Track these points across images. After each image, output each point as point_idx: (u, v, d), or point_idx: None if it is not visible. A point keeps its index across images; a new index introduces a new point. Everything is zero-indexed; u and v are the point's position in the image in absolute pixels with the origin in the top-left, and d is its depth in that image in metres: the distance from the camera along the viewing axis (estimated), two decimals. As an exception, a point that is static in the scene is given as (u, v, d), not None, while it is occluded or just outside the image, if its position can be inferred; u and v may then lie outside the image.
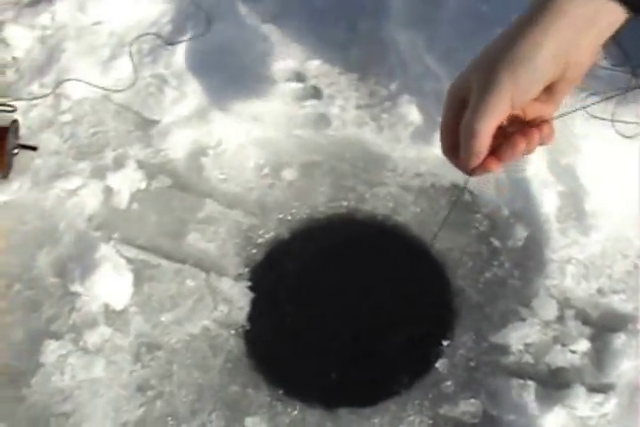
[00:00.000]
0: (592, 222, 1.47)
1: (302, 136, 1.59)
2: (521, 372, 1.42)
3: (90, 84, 1.56)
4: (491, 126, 0.94)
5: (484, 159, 1.00)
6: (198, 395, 1.43)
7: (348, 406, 1.45)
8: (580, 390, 1.37)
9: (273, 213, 1.58)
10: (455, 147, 1.01)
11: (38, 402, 1.41)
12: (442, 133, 1.03)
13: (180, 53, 1.60)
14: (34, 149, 1.52)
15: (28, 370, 1.42)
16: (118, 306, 1.46)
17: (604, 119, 1.41)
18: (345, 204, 1.59)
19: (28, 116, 1.58)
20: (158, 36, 1.60)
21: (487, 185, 1.50)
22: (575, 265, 1.46)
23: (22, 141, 1.54)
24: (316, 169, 1.62)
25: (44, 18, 1.66)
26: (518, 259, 1.52)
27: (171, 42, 1.58)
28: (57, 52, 1.61)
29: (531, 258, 1.50)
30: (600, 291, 1.46)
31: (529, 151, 0.99)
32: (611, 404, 1.38)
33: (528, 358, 1.43)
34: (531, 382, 1.39)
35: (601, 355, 1.42)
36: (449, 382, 1.44)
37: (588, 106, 1.31)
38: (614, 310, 1.45)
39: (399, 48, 1.61)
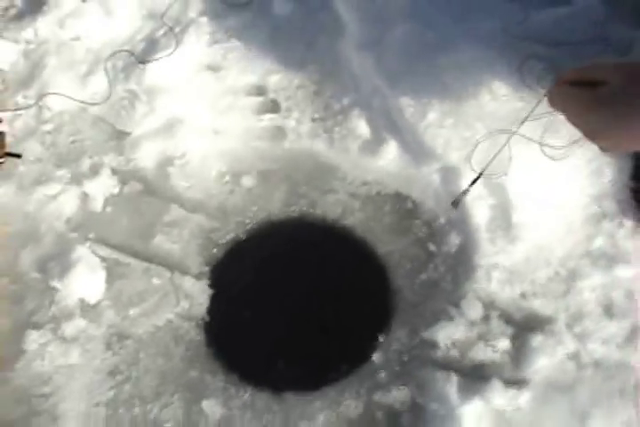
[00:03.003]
0: (518, 233, 1.65)
1: (260, 147, 1.78)
2: (447, 365, 1.63)
3: (69, 98, 1.74)
4: None
5: None
6: (162, 379, 1.66)
7: (293, 391, 1.66)
8: (497, 384, 1.57)
9: (232, 217, 1.79)
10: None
11: (21, 385, 1.62)
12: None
13: (150, 71, 1.77)
14: (18, 156, 1.70)
15: (12, 356, 1.63)
16: (92, 300, 1.67)
17: (531, 140, 1.55)
18: (298, 208, 1.79)
19: (13, 125, 1.75)
20: (131, 53, 1.77)
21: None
22: (501, 271, 1.65)
23: (8, 149, 1.70)
24: (273, 177, 1.81)
25: (27, 32, 1.82)
26: (451, 263, 1.71)
27: (142, 60, 1.75)
28: (39, 67, 1.78)
29: (462, 263, 1.69)
30: (523, 295, 1.65)
31: None
32: (525, 397, 1.58)
33: (454, 353, 1.63)
34: (454, 375, 1.59)
35: (519, 352, 1.62)
36: (383, 373, 1.66)
37: (515, 131, 1.50)
38: (535, 312, 1.64)
39: (352, 67, 1.78)
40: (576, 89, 1.24)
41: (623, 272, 1.65)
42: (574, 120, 1.27)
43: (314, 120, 1.77)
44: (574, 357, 1.61)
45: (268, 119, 1.77)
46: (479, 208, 1.67)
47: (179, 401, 1.64)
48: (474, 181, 1.56)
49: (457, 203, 1.60)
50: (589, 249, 1.67)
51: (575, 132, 1.38)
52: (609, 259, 1.66)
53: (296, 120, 1.76)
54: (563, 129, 1.58)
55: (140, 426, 1.62)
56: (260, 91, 1.80)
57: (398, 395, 1.63)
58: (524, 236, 1.66)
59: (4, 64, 1.81)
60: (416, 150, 1.70)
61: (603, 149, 1.30)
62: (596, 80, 1.21)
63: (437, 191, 1.72)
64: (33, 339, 1.63)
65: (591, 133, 1.25)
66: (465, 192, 1.58)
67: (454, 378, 1.60)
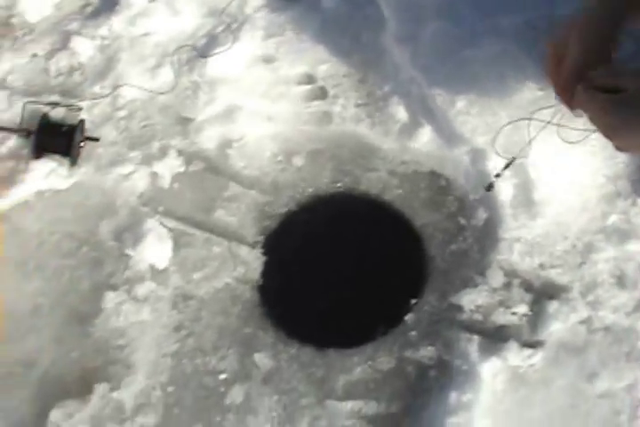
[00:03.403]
0: (538, 210, 1.81)
1: (309, 130, 1.95)
2: (471, 327, 1.79)
3: (140, 88, 1.94)
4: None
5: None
6: (220, 335, 1.84)
7: (334, 347, 1.83)
8: (514, 345, 1.73)
9: (284, 192, 1.96)
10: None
11: (101, 338, 1.81)
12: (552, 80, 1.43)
13: (211, 64, 1.95)
14: (96, 140, 1.90)
15: (92, 313, 1.82)
16: (161, 266, 1.86)
17: (550, 123, 1.64)
18: (343, 185, 1.96)
19: (91, 112, 1.94)
20: (194, 48, 1.97)
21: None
22: (523, 244, 1.80)
23: (88, 134, 1.90)
24: (320, 156, 1.98)
25: (102, 30, 2.00)
26: (478, 236, 1.87)
27: (204, 54, 1.95)
28: (113, 60, 1.97)
29: (488, 236, 1.85)
30: (542, 265, 1.80)
31: None
32: (538, 357, 1.73)
33: (478, 317, 1.79)
34: (476, 336, 1.77)
35: (536, 317, 1.77)
36: (414, 332, 1.82)
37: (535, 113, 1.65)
38: (552, 281, 1.79)
39: (392, 58, 1.95)
40: (600, 94, 1.35)
41: (635, 247, 1.80)
42: (595, 122, 1.38)
43: (357, 106, 1.94)
44: (586, 322, 1.75)
45: (316, 105, 1.95)
46: (504, 187, 1.82)
47: (234, 354, 1.82)
48: (506, 166, 1.71)
49: (490, 186, 1.77)
50: (604, 225, 1.81)
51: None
52: (622, 234, 1.80)
53: (342, 106, 1.94)
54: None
55: (200, 375, 1.81)
56: (309, 79, 1.98)
57: (427, 352, 1.79)
58: (544, 212, 1.81)
59: (82, 58, 1.99)
60: (447, 134, 1.87)
61: (618, 148, 1.41)
62: (618, 87, 1.33)
63: (467, 170, 1.88)
64: (110, 299, 1.82)
65: (609, 134, 1.36)
66: (498, 176, 1.74)
67: (476, 339, 1.77)
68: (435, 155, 1.91)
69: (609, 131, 1.36)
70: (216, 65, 1.96)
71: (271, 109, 1.95)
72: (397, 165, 1.95)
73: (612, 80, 1.35)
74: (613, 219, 1.81)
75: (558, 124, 1.64)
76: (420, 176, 1.95)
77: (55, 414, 1.74)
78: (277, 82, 1.97)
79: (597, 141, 1.77)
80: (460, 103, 1.84)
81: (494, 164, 1.81)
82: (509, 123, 1.73)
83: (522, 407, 1.72)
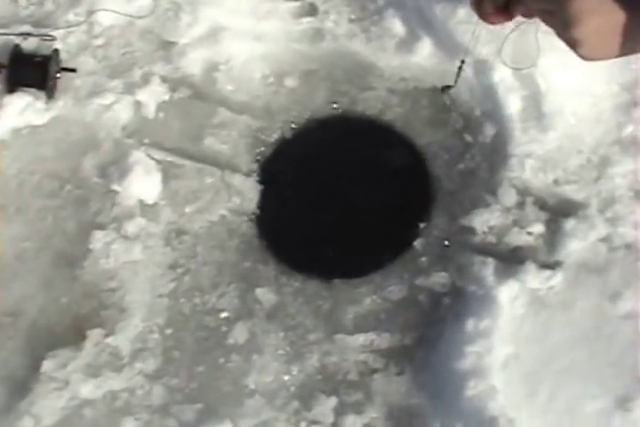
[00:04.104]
0: (549, 122, 1.75)
1: (300, 49, 1.88)
2: (484, 250, 1.74)
3: (117, 13, 1.84)
4: None
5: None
6: (218, 271, 1.78)
7: (340, 277, 1.77)
8: (532, 266, 1.68)
9: (278, 116, 1.88)
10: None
11: (90, 281, 1.75)
12: None
13: None
14: (73, 71, 1.82)
15: (80, 255, 1.76)
16: (150, 200, 1.79)
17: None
18: (340, 106, 1.88)
19: (66, 42, 1.85)
20: None
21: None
22: (534, 159, 1.75)
23: (63, 65, 1.81)
24: (314, 76, 1.90)
25: None
26: (486, 153, 1.80)
27: None
28: None
29: (497, 152, 1.79)
30: (556, 181, 1.74)
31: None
32: (557, 278, 1.68)
33: (491, 239, 1.73)
34: (491, 259, 1.71)
35: (553, 236, 1.72)
36: (424, 258, 1.77)
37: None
38: (568, 198, 1.74)
39: None
40: None
41: (654, 158, 1.74)
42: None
43: (351, 21, 1.86)
44: (606, 240, 1.70)
45: (307, 22, 1.86)
46: (511, 99, 1.76)
47: (234, 290, 1.76)
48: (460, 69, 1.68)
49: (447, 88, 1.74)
50: (620, 136, 1.75)
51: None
52: (639, 145, 1.74)
53: (334, 22, 1.86)
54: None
55: (200, 315, 1.75)
56: (297, -5, 1.90)
57: (439, 279, 1.74)
58: (555, 125, 1.75)
59: None
60: (449, 46, 1.79)
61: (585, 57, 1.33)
62: None
63: (471, 84, 1.81)
64: (98, 238, 1.76)
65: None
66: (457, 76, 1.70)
67: (491, 262, 1.71)
68: (436, 69, 1.83)
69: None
70: (197, -17, 1.89)
71: (259, 28, 1.87)
72: (396, 82, 1.88)
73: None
74: (629, 129, 1.75)
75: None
76: (421, 93, 1.88)
77: (48, 365, 1.68)
78: (263, -1, 1.89)
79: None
80: (462, 11, 1.75)
81: (501, 75, 1.75)
82: (514, 30, 1.65)
83: (544, 332, 1.67)
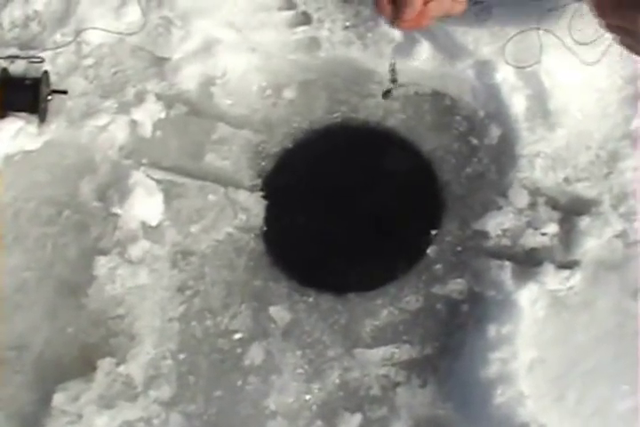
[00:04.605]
0: (556, 120, 1.72)
1: (297, 59, 1.83)
2: (500, 253, 1.71)
3: (106, 31, 1.79)
4: None
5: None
6: (228, 291, 1.75)
7: (354, 291, 1.75)
8: (549, 267, 1.66)
9: (278, 129, 1.85)
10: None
11: (96, 308, 1.71)
12: None
13: None
14: (64, 92, 1.77)
15: (84, 282, 1.72)
16: (153, 222, 1.74)
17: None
18: (340, 115, 1.85)
19: (55, 63, 1.80)
20: None
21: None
22: (543, 158, 1.72)
23: (54, 87, 1.77)
24: (312, 86, 1.86)
25: None
26: (494, 155, 1.78)
27: None
28: (72, 3, 1.81)
29: (504, 154, 1.76)
30: (566, 180, 1.72)
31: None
32: (576, 278, 1.66)
33: (505, 242, 1.71)
34: (507, 263, 1.68)
35: (568, 236, 1.69)
36: (439, 266, 1.74)
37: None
38: (580, 195, 1.71)
39: None
40: None
41: (664, 150, 1.73)
42: None
43: (346, 28, 1.82)
44: (621, 236, 1.68)
45: (302, 31, 1.82)
46: (515, 98, 1.74)
47: (247, 310, 1.73)
48: (392, 69, 1.62)
49: (387, 93, 1.67)
50: (628, 130, 1.73)
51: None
52: (647, 138, 1.74)
53: (328, 30, 1.82)
54: (589, 15, 1.62)
55: (213, 337, 1.72)
56: (289, 5, 1.85)
57: (455, 286, 1.72)
58: (562, 122, 1.72)
59: (37, 6, 1.83)
60: (448, 48, 1.76)
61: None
62: None
63: (473, 86, 1.78)
64: (102, 264, 1.71)
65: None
66: (394, 81, 1.63)
67: (508, 265, 1.68)
68: (436, 73, 1.80)
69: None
70: (188, -4, 1.85)
71: (253, 40, 1.83)
72: (396, 87, 1.75)
73: None
74: (637, 122, 1.73)
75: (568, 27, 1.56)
76: (423, 98, 1.85)
77: (58, 398, 1.64)
78: (256, 9, 1.83)
79: (611, 41, 1.66)
80: (459, 11, 1.72)
81: (503, 74, 1.73)
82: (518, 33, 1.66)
83: (567, 333, 1.65)
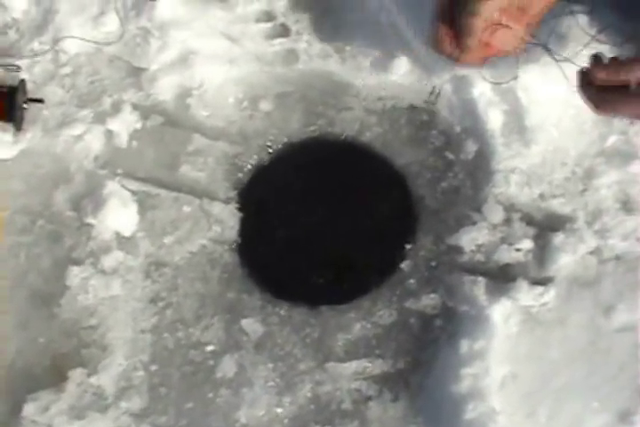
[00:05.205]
0: (532, 136, 1.72)
1: (274, 71, 1.83)
2: (473, 269, 1.71)
3: (83, 40, 1.79)
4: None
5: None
6: (201, 303, 1.73)
7: (327, 304, 1.74)
8: (523, 283, 1.65)
9: (254, 141, 1.84)
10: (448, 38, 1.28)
11: (69, 319, 1.69)
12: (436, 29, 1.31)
13: (160, 6, 1.80)
14: (41, 101, 1.76)
15: (56, 292, 1.70)
16: (127, 233, 1.73)
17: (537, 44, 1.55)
18: (317, 128, 1.84)
19: (32, 72, 1.79)
20: None
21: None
22: (519, 174, 1.72)
23: (30, 95, 1.76)
24: (289, 99, 1.86)
25: None
26: (469, 170, 1.77)
27: None
28: (51, 12, 1.81)
29: (480, 169, 1.76)
30: (542, 196, 1.72)
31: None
32: (550, 294, 1.65)
33: (479, 257, 1.71)
34: (481, 278, 1.68)
35: (542, 252, 1.69)
36: (412, 280, 1.73)
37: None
38: (555, 212, 1.71)
39: None
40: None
41: (638, 168, 1.71)
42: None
43: (323, 41, 1.82)
44: (595, 252, 1.68)
45: (279, 43, 1.82)
46: (492, 114, 1.74)
47: (219, 322, 1.72)
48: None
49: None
50: (603, 147, 1.73)
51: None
52: (623, 156, 1.72)
53: (307, 42, 1.82)
54: (569, 33, 1.68)
55: (185, 349, 1.70)
56: (268, 16, 1.85)
57: (429, 300, 1.71)
58: (538, 138, 1.72)
59: (16, 13, 1.84)
60: (426, 63, 1.75)
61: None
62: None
63: (451, 101, 1.79)
64: (75, 274, 1.70)
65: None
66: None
67: (481, 280, 1.68)
68: (414, 87, 1.80)
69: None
70: (165, 7, 1.82)
71: (231, 51, 1.83)
72: (373, 101, 1.84)
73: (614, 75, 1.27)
74: (612, 140, 1.73)
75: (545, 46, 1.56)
76: (400, 112, 1.84)
77: (28, 409, 1.63)
78: (234, 21, 1.83)
79: (588, 57, 1.67)
80: (439, 27, 1.72)
81: (481, 90, 1.74)
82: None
83: (540, 349, 1.65)
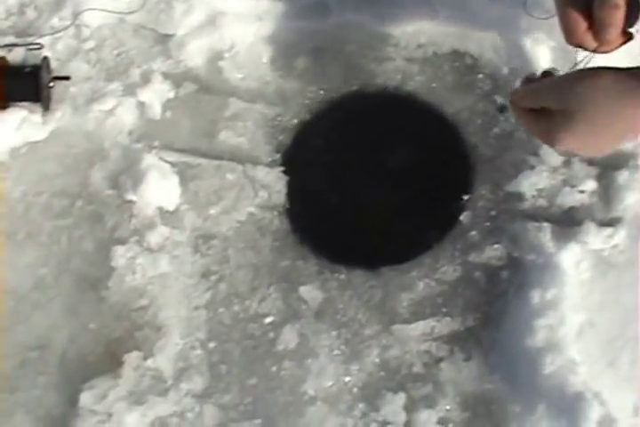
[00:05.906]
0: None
1: (306, 26, 1.78)
2: (537, 215, 1.66)
3: (104, 11, 1.75)
4: None
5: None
6: (254, 273, 1.69)
7: (387, 265, 1.69)
8: (590, 226, 1.61)
9: (292, 100, 1.79)
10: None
11: (118, 301, 1.66)
12: (569, 19, 1.21)
13: None
14: (67, 78, 1.72)
15: (103, 275, 1.66)
16: (171, 206, 1.69)
17: None
18: (357, 81, 1.79)
19: (55, 49, 1.75)
20: None
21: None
22: None
23: (55, 73, 1.72)
24: (325, 54, 1.80)
25: None
26: None
27: None
28: None
29: None
30: None
31: None
32: (620, 235, 1.61)
33: (542, 202, 1.66)
34: (546, 224, 1.64)
35: (607, 192, 1.65)
36: (474, 232, 1.68)
37: None
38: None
39: None
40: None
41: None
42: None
43: (355, -4, 1.78)
44: (665, 187, 1.64)
45: (309, -4, 1.78)
46: (540, 51, 1.68)
47: (276, 292, 1.68)
48: None
49: (503, 108, 1.69)
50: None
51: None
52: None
53: (337, -6, 1.78)
54: None
55: (243, 323, 1.67)
56: (293, -31, 1.82)
57: (493, 252, 1.66)
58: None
59: None
60: (464, 6, 1.72)
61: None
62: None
63: (495, 42, 1.73)
64: (120, 254, 1.66)
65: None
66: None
67: (546, 226, 1.63)
68: (454, 31, 1.75)
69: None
70: (187, -32, 1.80)
71: (259, 8, 1.77)
72: (413, 49, 1.78)
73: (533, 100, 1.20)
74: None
75: None
76: (442, 58, 1.78)
77: (86, 398, 1.59)
78: (259, -24, 1.81)
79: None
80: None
81: (527, 25, 1.67)
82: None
83: (615, 294, 1.61)
